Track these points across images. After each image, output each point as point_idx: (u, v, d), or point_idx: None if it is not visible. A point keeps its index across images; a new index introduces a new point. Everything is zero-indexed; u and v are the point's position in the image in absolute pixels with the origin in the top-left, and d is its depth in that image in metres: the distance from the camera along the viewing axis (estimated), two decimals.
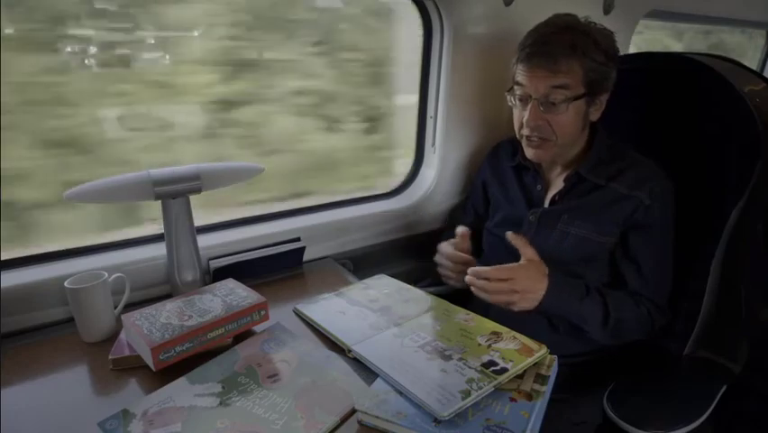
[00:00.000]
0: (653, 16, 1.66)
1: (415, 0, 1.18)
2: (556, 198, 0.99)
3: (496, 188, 1.11)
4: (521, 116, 0.93)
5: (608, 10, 1.35)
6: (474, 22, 1.18)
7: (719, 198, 0.90)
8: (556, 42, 0.86)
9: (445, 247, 1.01)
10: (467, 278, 0.89)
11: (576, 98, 0.88)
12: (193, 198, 0.96)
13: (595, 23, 0.91)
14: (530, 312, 0.88)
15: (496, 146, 1.17)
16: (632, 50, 1.62)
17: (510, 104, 0.97)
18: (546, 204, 1.01)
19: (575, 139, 0.95)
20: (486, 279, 0.86)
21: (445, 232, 1.24)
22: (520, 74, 0.91)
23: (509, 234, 0.92)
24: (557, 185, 1.00)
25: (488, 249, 1.10)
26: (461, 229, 0.98)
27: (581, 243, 0.94)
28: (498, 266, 0.87)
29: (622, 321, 0.90)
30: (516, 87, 0.93)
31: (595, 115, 0.95)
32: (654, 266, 0.92)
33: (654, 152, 0.97)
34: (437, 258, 1.04)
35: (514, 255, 1.01)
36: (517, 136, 0.99)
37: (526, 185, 1.05)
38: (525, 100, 0.92)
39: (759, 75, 1.02)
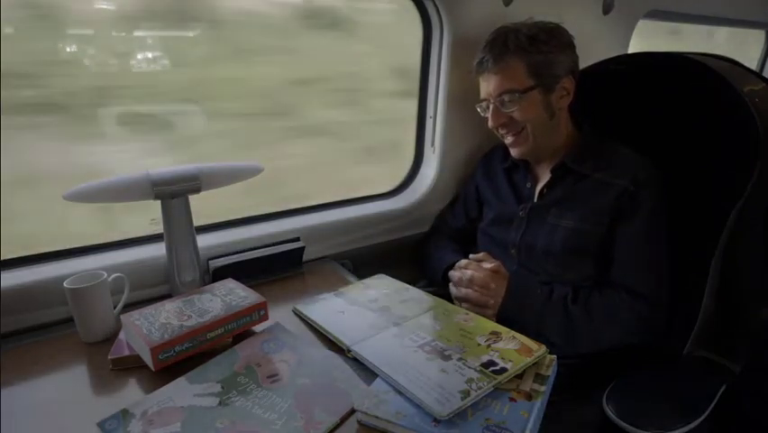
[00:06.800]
0: (653, 16, 1.66)
1: (415, 0, 1.18)
2: (544, 190, 1.02)
3: (488, 189, 1.16)
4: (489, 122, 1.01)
5: (607, 10, 1.35)
6: (474, 22, 1.18)
7: (719, 198, 0.90)
8: (492, 47, 0.96)
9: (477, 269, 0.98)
10: (455, 275, 1.00)
11: (525, 91, 0.94)
12: None
13: (536, 21, 0.97)
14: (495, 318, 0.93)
15: (489, 151, 1.21)
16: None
17: (483, 115, 1.04)
18: (535, 199, 1.04)
19: (546, 126, 0.99)
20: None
21: (431, 238, 1.25)
22: (480, 87, 1.01)
23: (479, 256, 1.00)
24: (545, 178, 1.04)
25: (482, 248, 1.11)
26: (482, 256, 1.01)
27: (571, 235, 0.95)
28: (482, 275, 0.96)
29: (599, 331, 0.90)
30: (482, 102, 1.03)
31: (562, 103, 0.99)
32: (644, 256, 0.92)
33: (654, 152, 0.97)
34: (456, 283, 1.00)
35: (506, 253, 1.03)
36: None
37: (517, 183, 1.10)
38: (487, 106, 1.01)
39: (758, 75, 1.02)
